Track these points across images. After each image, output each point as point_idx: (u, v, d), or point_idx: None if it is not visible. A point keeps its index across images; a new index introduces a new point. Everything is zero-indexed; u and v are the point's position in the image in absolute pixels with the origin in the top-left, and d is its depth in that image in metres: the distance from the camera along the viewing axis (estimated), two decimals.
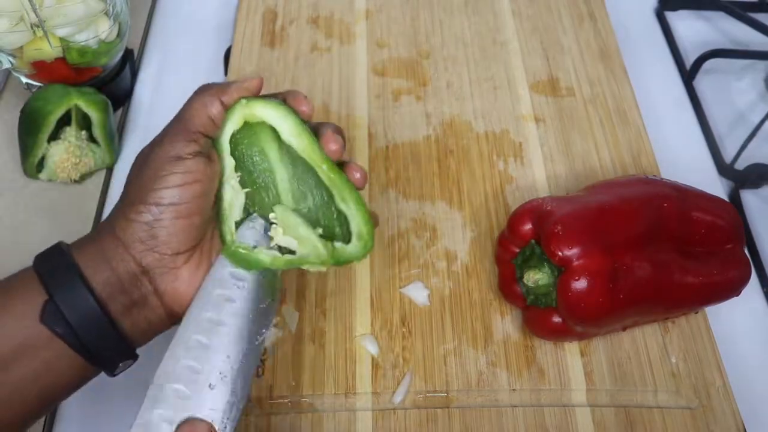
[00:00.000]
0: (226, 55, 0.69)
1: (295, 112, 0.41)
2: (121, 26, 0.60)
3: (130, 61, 0.66)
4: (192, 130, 0.39)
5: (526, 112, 0.63)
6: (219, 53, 0.70)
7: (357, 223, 0.42)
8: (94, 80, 0.61)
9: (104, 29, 0.58)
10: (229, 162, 0.41)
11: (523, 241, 0.47)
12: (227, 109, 0.41)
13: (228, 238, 0.41)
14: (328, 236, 0.42)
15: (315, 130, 0.42)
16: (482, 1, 0.72)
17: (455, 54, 0.67)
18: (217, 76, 0.68)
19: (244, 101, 0.40)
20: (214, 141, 0.41)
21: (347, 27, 0.69)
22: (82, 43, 0.57)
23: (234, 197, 0.42)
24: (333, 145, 0.42)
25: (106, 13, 0.57)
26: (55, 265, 0.38)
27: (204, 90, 0.41)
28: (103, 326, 0.37)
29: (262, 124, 0.41)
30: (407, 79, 0.65)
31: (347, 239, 0.42)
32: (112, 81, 0.63)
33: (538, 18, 0.71)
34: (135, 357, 0.40)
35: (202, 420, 0.36)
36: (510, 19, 0.71)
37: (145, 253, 0.38)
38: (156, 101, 0.66)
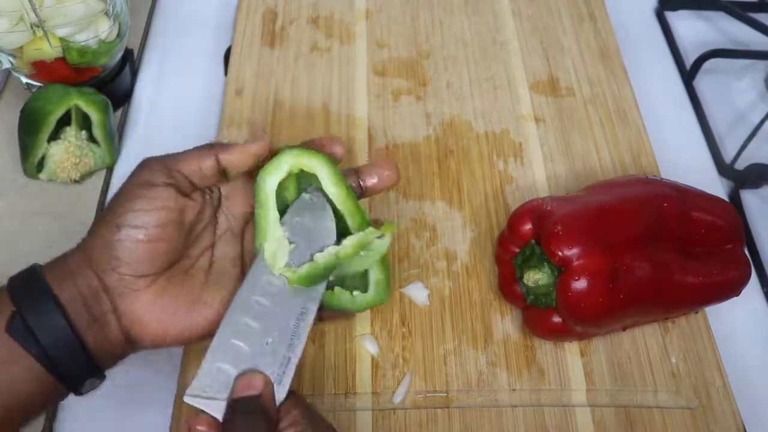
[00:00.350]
0: (226, 55, 0.69)
1: (334, 163, 0.43)
2: (121, 26, 0.60)
3: (130, 61, 0.67)
4: (174, 168, 0.40)
5: (526, 112, 0.63)
6: (219, 53, 0.70)
7: (376, 272, 0.43)
8: (94, 80, 0.61)
9: (104, 29, 0.57)
10: (275, 214, 0.42)
11: (523, 241, 0.47)
12: (263, 160, 0.42)
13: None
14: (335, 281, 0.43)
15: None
16: (482, 1, 0.72)
17: (455, 54, 0.67)
18: (217, 76, 0.68)
19: (295, 151, 0.42)
20: (256, 189, 0.42)
21: (347, 27, 0.69)
22: (82, 43, 0.57)
23: (280, 249, 0.42)
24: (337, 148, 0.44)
25: (106, 13, 0.57)
26: (27, 284, 0.38)
27: (202, 146, 0.42)
28: (70, 340, 0.37)
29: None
30: (407, 79, 0.65)
31: (358, 284, 0.44)
32: (112, 81, 0.63)
33: (538, 18, 0.71)
34: (102, 377, 0.40)
35: (260, 372, 0.37)
36: (510, 19, 0.71)
37: (108, 271, 0.38)
38: (156, 101, 0.66)
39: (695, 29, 0.77)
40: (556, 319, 0.46)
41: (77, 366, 0.38)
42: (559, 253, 0.44)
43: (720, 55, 0.70)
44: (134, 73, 0.68)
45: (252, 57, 0.66)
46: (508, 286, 0.49)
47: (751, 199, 0.63)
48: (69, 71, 0.59)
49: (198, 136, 0.63)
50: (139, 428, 0.48)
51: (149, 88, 0.67)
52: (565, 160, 0.60)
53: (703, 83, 0.71)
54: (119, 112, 0.65)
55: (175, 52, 0.71)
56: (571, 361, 0.49)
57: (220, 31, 0.72)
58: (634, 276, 0.45)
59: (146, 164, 0.41)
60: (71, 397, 0.46)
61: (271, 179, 0.42)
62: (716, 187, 0.63)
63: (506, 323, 0.51)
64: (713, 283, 0.48)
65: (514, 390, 0.48)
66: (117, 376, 0.50)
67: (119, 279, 0.38)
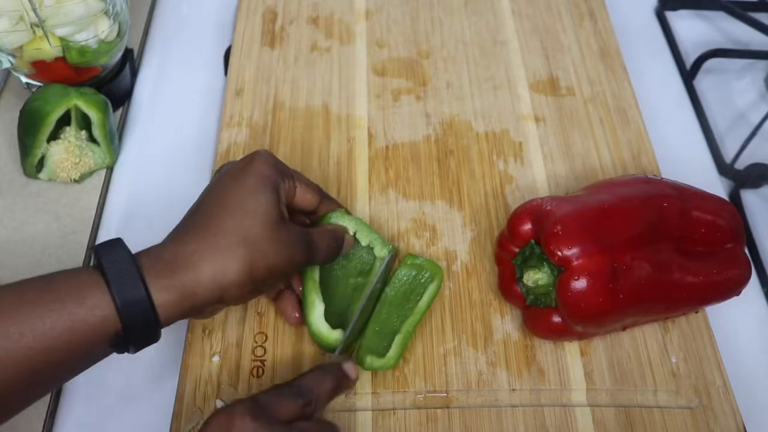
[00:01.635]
0: (226, 55, 0.69)
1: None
2: (121, 26, 0.60)
3: (130, 61, 0.67)
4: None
5: (526, 111, 0.63)
6: (219, 53, 0.70)
7: (396, 344, 0.47)
8: (93, 80, 0.61)
9: (104, 29, 0.57)
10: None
11: (523, 241, 0.47)
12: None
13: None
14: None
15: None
16: (482, 1, 0.72)
17: (455, 54, 0.67)
18: (217, 76, 0.68)
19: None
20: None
21: (347, 27, 0.69)
22: (82, 43, 0.57)
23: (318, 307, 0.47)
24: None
25: (106, 13, 0.57)
26: (110, 244, 0.39)
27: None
28: (143, 299, 0.37)
29: None
30: (407, 79, 0.65)
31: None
32: (112, 81, 0.63)
33: (538, 17, 0.71)
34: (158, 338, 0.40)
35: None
36: (510, 18, 0.71)
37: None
38: (156, 101, 0.66)
39: (695, 29, 0.77)
40: (556, 319, 0.46)
41: (143, 324, 0.38)
42: (559, 253, 0.44)
43: (720, 55, 0.70)
44: (134, 73, 0.68)
45: (252, 57, 0.66)
46: (508, 286, 0.49)
47: (751, 198, 0.63)
48: (69, 71, 0.59)
49: (198, 136, 0.64)
50: (140, 427, 0.48)
51: (149, 88, 0.67)
52: (565, 159, 0.60)
53: (703, 83, 0.71)
54: (119, 112, 0.65)
55: (175, 52, 0.71)
56: (571, 361, 0.49)
57: (220, 31, 0.72)
58: (634, 276, 0.45)
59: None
60: (71, 396, 0.46)
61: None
62: (716, 186, 0.63)
63: (506, 323, 0.51)
64: (713, 282, 0.48)
65: (514, 390, 0.48)
66: (118, 375, 0.50)
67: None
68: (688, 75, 0.71)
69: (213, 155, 0.60)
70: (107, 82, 0.63)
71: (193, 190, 0.46)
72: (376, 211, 0.56)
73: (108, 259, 0.38)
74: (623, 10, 0.76)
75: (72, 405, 0.49)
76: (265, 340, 0.49)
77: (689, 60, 0.72)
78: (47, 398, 0.48)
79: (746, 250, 0.52)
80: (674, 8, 0.78)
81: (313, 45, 0.67)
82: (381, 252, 0.50)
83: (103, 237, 0.57)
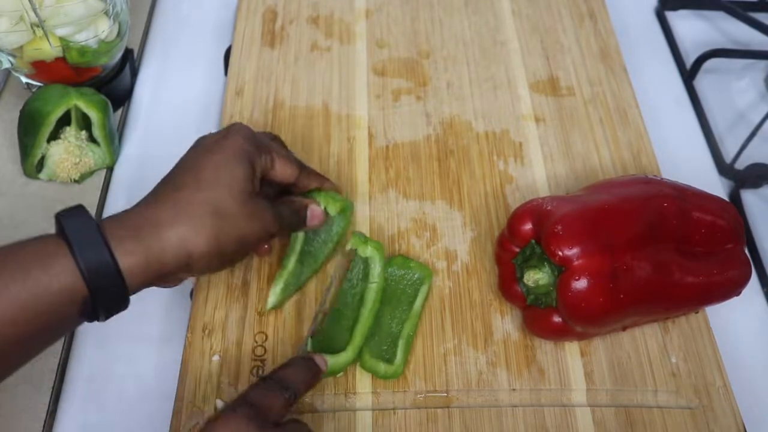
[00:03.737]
0: (226, 54, 0.69)
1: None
2: (121, 26, 0.60)
3: (130, 61, 0.66)
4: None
5: (526, 111, 0.63)
6: (219, 53, 0.70)
7: (400, 349, 0.48)
8: (93, 80, 0.61)
9: (104, 29, 0.58)
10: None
11: (523, 241, 0.47)
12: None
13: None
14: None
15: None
16: (482, 1, 0.72)
17: (455, 54, 0.67)
18: (217, 76, 0.68)
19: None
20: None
21: (347, 27, 0.69)
22: (82, 43, 0.57)
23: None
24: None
25: (106, 13, 0.57)
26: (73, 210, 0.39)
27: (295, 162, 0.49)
28: (108, 264, 0.37)
29: None
30: (407, 79, 0.65)
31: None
32: (112, 81, 0.63)
33: (538, 18, 0.71)
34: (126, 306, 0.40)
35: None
36: (510, 18, 0.71)
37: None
38: (156, 101, 0.66)
39: (695, 29, 0.77)
40: (556, 318, 0.46)
41: (109, 289, 0.37)
42: (560, 253, 0.44)
43: (720, 55, 0.70)
44: (134, 73, 0.68)
45: (252, 57, 0.66)
46: (508, 286, 0.49)
47: (751, 199, 0.63)
48: (69, 71, 0.59)
49: (198, 136, 0.63)
50: (139, 427, 0.48)
51: (149, 88, 0.67)
52: (565, 159, 0.60)
53: (703, 83, 0.71)
54: (119, 112, 0.65)
55: (175, 52, 0.71)
56: (571, 361, 0.49)
57: (220, 31, 0.72)
58: (635, 276, 0.45)
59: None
60: (72, 394, 0.46)
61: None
62: (716, 186, 0.63)
63: (506, 323, 0.51)
64: (713, 282, 0.48)
65: (514, 390, 0.48)
66: (118, 375, 0.50)
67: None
68: (688, 75, 0.71)
69: None
70: (107, 83, 0.63)
71: None
72: (376, 210, 0.56)
73: (71, 224, 0.37)
74: (623, 10, 0.76)
75: (72, 405, 0.49)
76: (265, 339, 0.49)
77: (689, 60, 0.72)
78: (47, 398, 0.48)
79: (746, 250, 0.52)
80: (674, 8, 0.78)
81: (313, 45, 0.67)
82: (332, 210, 0.51)
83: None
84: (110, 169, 0.61)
